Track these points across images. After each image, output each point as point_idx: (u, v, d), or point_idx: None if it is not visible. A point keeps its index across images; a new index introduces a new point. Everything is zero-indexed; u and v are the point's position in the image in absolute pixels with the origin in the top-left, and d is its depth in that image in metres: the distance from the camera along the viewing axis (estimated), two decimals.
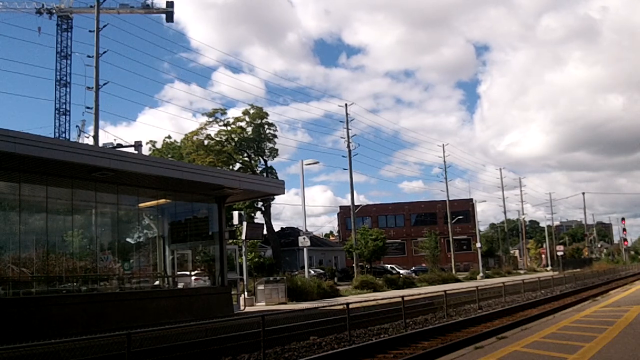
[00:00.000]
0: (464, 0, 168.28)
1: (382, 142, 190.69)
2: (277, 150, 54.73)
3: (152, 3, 51.13)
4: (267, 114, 53.45)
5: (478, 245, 58.49)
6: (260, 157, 54.87)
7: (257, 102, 73.06)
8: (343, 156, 47.67)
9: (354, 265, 46.51)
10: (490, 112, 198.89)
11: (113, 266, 18.18)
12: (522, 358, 7.92)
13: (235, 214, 25.08)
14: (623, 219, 74.72)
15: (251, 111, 52.68)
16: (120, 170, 15.92)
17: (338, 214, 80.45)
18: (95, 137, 27.87)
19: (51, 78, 50.61)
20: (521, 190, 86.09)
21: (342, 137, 46.28)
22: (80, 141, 36.07)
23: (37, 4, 50.85)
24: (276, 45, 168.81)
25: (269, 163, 55.40)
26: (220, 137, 51.74)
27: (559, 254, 67.69)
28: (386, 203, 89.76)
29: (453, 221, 61.03)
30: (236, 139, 52.23)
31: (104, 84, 28.74)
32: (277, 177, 52.32)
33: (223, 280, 20.45)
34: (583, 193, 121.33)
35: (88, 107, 29.03)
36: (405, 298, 16.13)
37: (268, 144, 54.02)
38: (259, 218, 52.68)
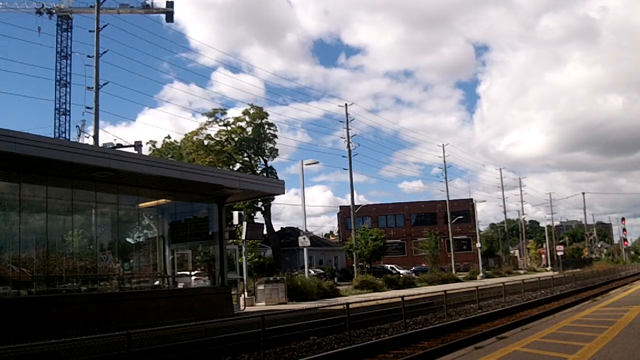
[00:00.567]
0: (464, 0, 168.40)
1: (382, 142, 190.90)
2: (277, 150, 54.79)
3: (152, 3, 51.13)
4: (267, 114, 53.50)
5: (478, 245, 58.50)
6: (260, 157, 54.86)
7: (256, 102, 73.00)
8: (343, 156, 47.71)
9: (354, 265, 46.51)
10: (490, 112, 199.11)
11: (113, 266, 18.17)
12: (522, 358, 7.92)
13: (235, 214, 25.09)
14: (623, 219, 74.83)
15: (251, 111, 52.67)
16: (120, 170, 15.93)
17: (338, 214, 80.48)
18: (95, 137, 27.87)
19: (51, 78, 50.65)
20: (521, 190, 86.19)
21: (342, 137, 46.32)
22: (80, 141, 36.07)
23: (37, 4, 50.87)
24: (275, 45, 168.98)
25: (269, 163, 55.45)
26: (220, 137, 51.73)
27: (559, 254, 67.68)
28: (386, 203, 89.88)
29: (453, 221, 61.03)
30: (236, 139, 52.22)
31: (104, 84, 28.75)
32: (277, 177, 52.33)
33: (223, 280, 20.45)
34: (583, 193, 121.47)
35: (88, 107, 29.04)
36: (405, 298, 16.12)
37: (268, 144, 54.02)
38: (259, 218, 52.71)
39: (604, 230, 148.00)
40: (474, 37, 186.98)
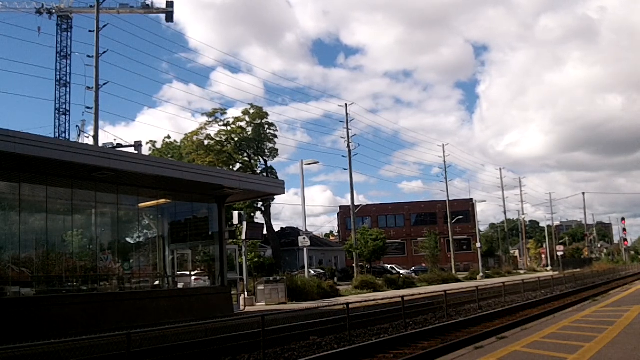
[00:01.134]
0: (463, 0, 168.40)
1: (382, 142, 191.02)
2: (277, 150, 54.74)
3: (152, 3, 51.05)
4: (267, 114, 53.46)
5: (478, 245, 58.50)
6: (260, 157, 54.83)
7: (256, 102, 72.92)
8: (343, 156, 47.71)
9: (354, 265, 46.50)
10: (489, 112, 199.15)
11: (113, 266, 18.17)
12: (522, 358, 7.92)
13: (235, 214, 25.07)
14: (623, 219, 74.82)
15: (251, 111, 52.64)
16: (120, 170, 15.93)
17: (338, 214, 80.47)
18: (95, 137, 27.86)
19: (51, 78, 50.58)
20: (521, 190, 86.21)
21: (342, 137, 46.32)
22: (80, 141, 36.05)
23: (37, 4, 50.83)
24: (275, 45, 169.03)
25: (269, 163, 55.41)
26: (220, 137, 51.70)
27: (559, 254, 67.68)
28: (386, 203, 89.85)
29: (453, 221, 61.03)
30: (236, 139, 52.19)
31: (104, 84, 28.76)
32: (277, 177, 52.31)
33: (223, 280, 20.45)
34: (583, 193, 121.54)
35: (88, 107, 29.03)
36: (405, 298, 16.12)
37: (268, 144, 53.97)
38: (259, 218, 52.66)
39: (604, 230, 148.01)
40: (473, 37, 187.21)
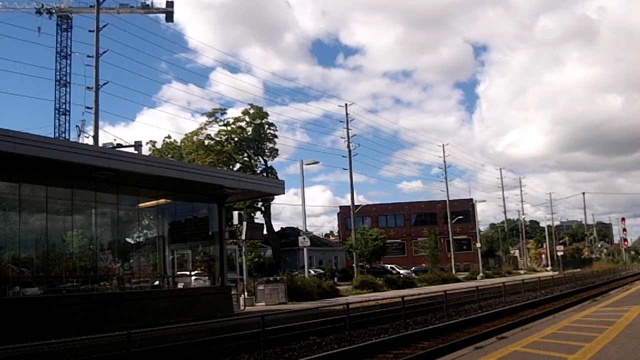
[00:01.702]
0: (462, 0, 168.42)
1: (381, 142, 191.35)
2: (277, 150, 54.70)
3: (152, 3, 51.00)
4: (267, 114, 53.44)
5: (478, 245, 58.51)
6: (260, 157, 54.81)
7: (255, 102, 72.84)
8: (343, 156, 47.70)
9: (354, 265, 46.50)
10: (489, 112, 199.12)
11: (113, 266, 18.16)
12: (522, 358, 7.92)
13: (235, 214, 25.07)
14: (623, 219, 74.81)
15: (251, 111, 52.62)
16: (120, 170, 15.92)
17: (338, 214, 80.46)
18: (95, 137, 27.86)
19: (51, 78, 50.50)
20: (521, 190, 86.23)
21: (341, 137, 46.33)
22: (80, 141, 36.03)
23: (37, 4, 50.76)
24: (274, 45, 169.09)
25: (269, 163, 55.39)
26: (220, 137, 51.68)
27: (559, 254, 67.68)
28: (386, 203, 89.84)
29: (453, 221, 61.04)
30: (236, 139, 52.16)
31: (104, 84, 28.74)
32: (277, 177, 52.29)
33: (223, 280, 20.45)
34: (583, 193, 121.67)
35: (88, 107, 29.01)
36: (405, 298, 16.13)
37: (268, 144, 53.96)
38: (259, 218, 52.63)
39: (604, 230, 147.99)
40: (473, 37, 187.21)
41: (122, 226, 20.03)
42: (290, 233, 61.66)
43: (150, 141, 52.96)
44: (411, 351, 11.25)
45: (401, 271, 53.89)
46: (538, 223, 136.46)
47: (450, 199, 63.19)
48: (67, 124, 49.96)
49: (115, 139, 33.86)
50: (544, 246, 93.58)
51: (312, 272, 40.12)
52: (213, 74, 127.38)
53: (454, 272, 55.12)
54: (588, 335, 9.54)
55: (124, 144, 29.70)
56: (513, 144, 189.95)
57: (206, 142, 51.29)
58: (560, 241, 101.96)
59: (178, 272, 21.12)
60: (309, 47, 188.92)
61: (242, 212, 28.50)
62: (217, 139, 51.52)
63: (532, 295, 26.07)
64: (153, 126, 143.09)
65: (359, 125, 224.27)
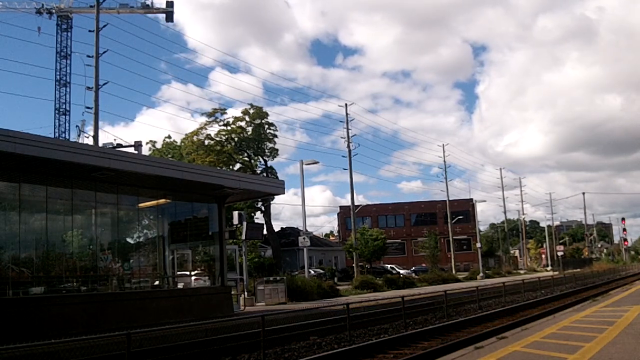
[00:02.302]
0: (461, 0, 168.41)
1: (381, 142, 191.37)
2: (277, 150, 54.66)
3: (152, 3, 50.97)
4: (267, 114, 53.40)
5: (478, 245, 58.49)
6: (260, 157, 54.79)
7: (255, 102, 72.72)
8: (343, 156, 47.71)
9: (354, 265, 46.51)
10: (488, 112, 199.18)
11: (113, 266, 18.15)
12: (522, 358, 7.92)
13: (235, 214, 25.06)
14: (623, 219, 74.79)
15: (251, 111, 52.60)
16: (120, 170, 15.91)
17: (338, 214, 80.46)
18: (95, 137, 27.85)
19: (51, 78, 50.44)
20: (521, 190, 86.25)
21: (341, 137, 46.36)
22: (80, 141, 36.02)
23: (37, 4, 50.72)
24: (273, 45, 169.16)
25: (269, 163, 55.37)
26: (220, 137, 51.65)
27: (559, 254, 67.67)
28: (386, 203, 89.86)
29: (453, 221, 61.04)
30: (236, 138, 52.14)
31: (104, 84, 28.73)
32: (277, 177, 52.28)
33: (223, 280, 20.45)
34: (583, 193, 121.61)
35: (88, 107, 28.97)
36: (405, 298, 16.14)
37: (268, 143, 53.93)
38: (259, 218, 52.59)
39: (604, 230, 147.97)
40: (472, 38, 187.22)
41: (122, 226, 20.03)
42: (290, 233, 61.64)
43: (150, 141, 52.92)
44: (411, 351, 11.26)
45: (401, 271, 53.91)
46: (538, 223, 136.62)
47: (450, 199, 63.22)
48: (67, 124, 49.94)
49: (115, 139, 33.87)
50: (544, 246, 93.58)
51: (312, 272, 40.12)
52: (212, 74, 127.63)
53: (454, 272, 55.11)
54: (588, 335, 9.54)
55: (124, 144, 29.69)
56: (513, 144, 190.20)
57: (206, 142, 51.26)
58: (560, 241, 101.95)
59: (178, 272, 21.11)
60: (308, 47, 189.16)
61: (242, 212, 28.47)
62: (217, 139, 51.49)
63: (532, 295, 26.08)
64: (153, 126, 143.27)
65: (358, 125, 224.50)
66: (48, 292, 15.94)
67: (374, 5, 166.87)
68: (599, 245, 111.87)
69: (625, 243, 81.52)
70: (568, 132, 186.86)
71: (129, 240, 20.72)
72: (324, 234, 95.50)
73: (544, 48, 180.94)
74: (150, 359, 10.47)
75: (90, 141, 28.60)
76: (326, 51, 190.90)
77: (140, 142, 29.35)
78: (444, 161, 62.25)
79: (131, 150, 27.59)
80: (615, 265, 67.97)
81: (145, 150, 40.51)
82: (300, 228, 37.09)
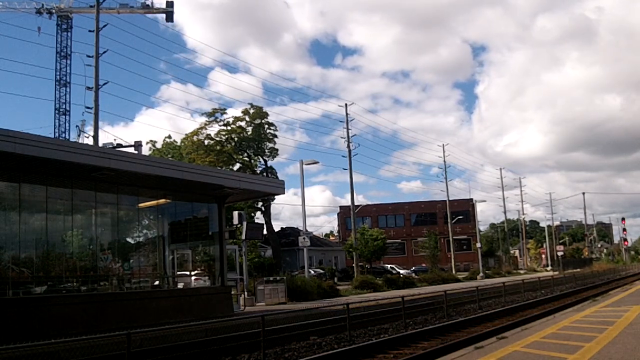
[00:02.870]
0: (460, 0, 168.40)
1: (381, 142, 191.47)
2: (277, 150, 54.64)
3: (152, 3, 50.98)
4: (267, 114, 53.37)
5: (478, 245, 58.49)
6: (260, 157, 54.78)
7: (254, 102, 72.54)
8: (343, 156, 47.72)
9: (354, 265, 46.50)
10: (488, 112, 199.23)
11: (113, 266, 18.15)
12: (522, 358, 7.92)
13: (235, 214, 25.06)
14: (623, 219, 74.70)
15: (251, 111, 52.58)
16: (120, 170, 15.91)
17: (338, 214, 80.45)
18: (95, 137, 27.85)
19: (51, 78, 50.47)
20: (521, 190, 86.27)
21: (341, 137, 46.36)
22: (80, 141, 36.04)
23: (37, 4, 50.73)
24: (272, 45, 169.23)
25: (269, 163, 55.36)
26: (220, 137, 51.63)
27: (559, 254, 67.67)
28: (386, 203, 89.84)
29: (453, 221, 61.04)
30: (236, 138, 52.13)
31: (104, 84, 28.73)
32: (277, 177, 52.28)
33: (223, 280, 20.45)
34: (583, 193, 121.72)
35: (88, 107, 28.99)
36: (405, 298, 16.14)
37: (268, 143, 53.92)
38: (259, 218, 52.59)
39: (604, 230, 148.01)
40: (471, 38, 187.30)
41: (122, 226, 20.03)
42: (290, 233, 61.63)
43: (150, 141, 52.92)
44: (411, 351, 11.26)
45: (401, 271, 53.90)
46: (538, 223, 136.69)
47: (450, 199, 63.23)
48: (67, 124, 49.96)
49: (115, 139, 33.88)
50: (544, 246, 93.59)
51: (312, 272, 40.11)
52: (212, 73, 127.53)
53: (454, 272, 55.11)
54: (588, 335, 9.54)
55: (123, 144, 29.69)
56: (512, 144, 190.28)
57: (206, 142, 51.25)
58: (560, 241, 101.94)
59: (178, 272, 21.12)
60: (307, 47, 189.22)
61: (242, 212, 28.47)
62: (217, 138, 51.48)
63: (532, 295, 26.08)
64: (152, 126, 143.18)
65: (358, 125, 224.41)
66: (48, 292, 15.94)
67: (373, 6, 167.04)
68: (599, 245, 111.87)
69: (625, 243, 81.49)
70: (568, 132, 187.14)
71: (129, 240, 20.73)
72: (324, 234, 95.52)
73: (543, 48, 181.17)
74: (150, 359, 10.47)
75: (90, 141, 28.62)
76: (325, 51, 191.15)
77: (140, 142, 29.37)
78: (444, 161, 62.33)
79: (131, 150, 27.59)
80: (615, 265, 67.97)
81: (145, 150, 40.50)
82: (300, 228, 37.10)
